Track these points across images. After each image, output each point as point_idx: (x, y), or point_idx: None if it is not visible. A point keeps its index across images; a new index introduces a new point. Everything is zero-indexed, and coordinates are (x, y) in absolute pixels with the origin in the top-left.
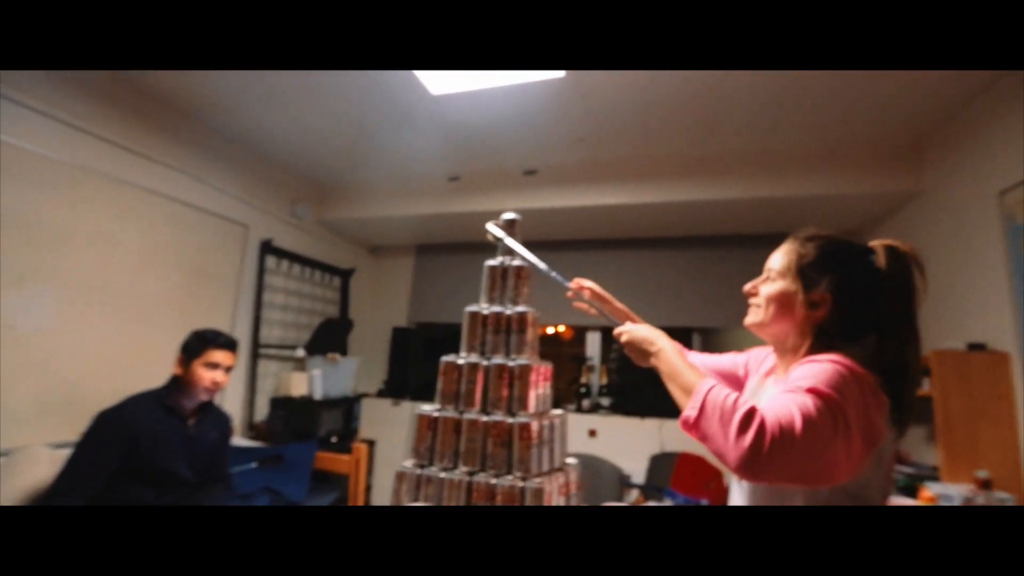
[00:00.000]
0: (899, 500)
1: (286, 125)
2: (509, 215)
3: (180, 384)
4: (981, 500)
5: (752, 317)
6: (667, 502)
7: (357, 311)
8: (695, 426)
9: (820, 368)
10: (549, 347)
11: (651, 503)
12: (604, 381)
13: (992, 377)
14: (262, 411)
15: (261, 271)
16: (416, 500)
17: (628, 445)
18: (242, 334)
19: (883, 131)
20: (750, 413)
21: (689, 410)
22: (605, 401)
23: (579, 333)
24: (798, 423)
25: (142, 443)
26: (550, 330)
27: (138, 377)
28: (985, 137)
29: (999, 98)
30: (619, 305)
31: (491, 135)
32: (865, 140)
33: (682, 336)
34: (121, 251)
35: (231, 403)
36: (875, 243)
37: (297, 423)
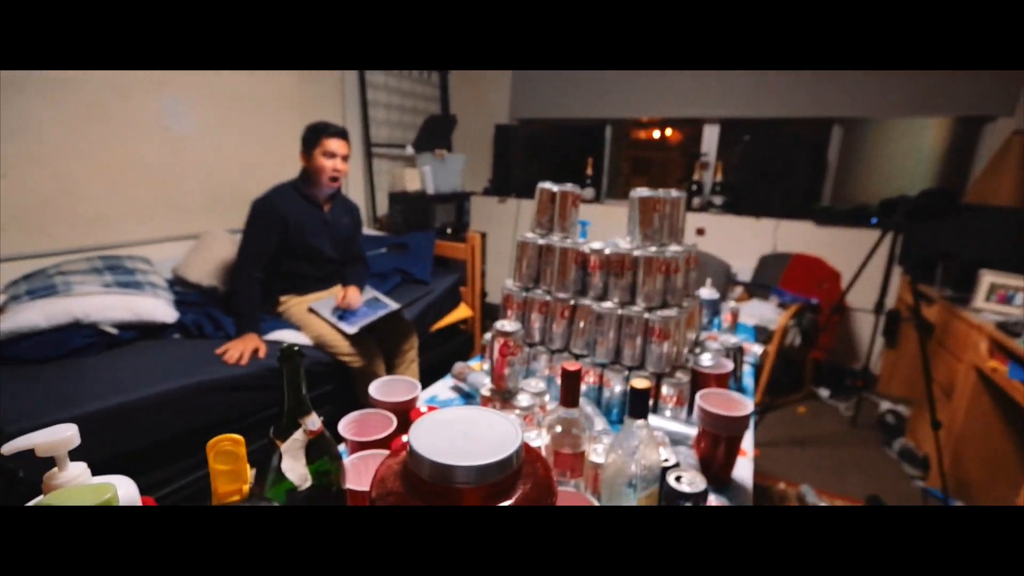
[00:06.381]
0: None
1: None
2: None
3: (308, 175)
4: None
5: None
6: (773, 299)
7: (458, 108)
8: None
9: None
10: (655, 152)
11: (755, 300)
12: (719, 178)
13: None
14: (382, 206)
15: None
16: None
17: (738, 244)
18: (354, 133)
19: None
20: None
21: None
22: (717, 200)
23: (695, 129)
24: None
25: (290, 226)
26: (655, 134)
27: (273, 172)
28: None
29: None
30: None
31: None
32: None
33: (822, 127)
34: None
35: (355, 199)
36: None
37: (413, 216)
